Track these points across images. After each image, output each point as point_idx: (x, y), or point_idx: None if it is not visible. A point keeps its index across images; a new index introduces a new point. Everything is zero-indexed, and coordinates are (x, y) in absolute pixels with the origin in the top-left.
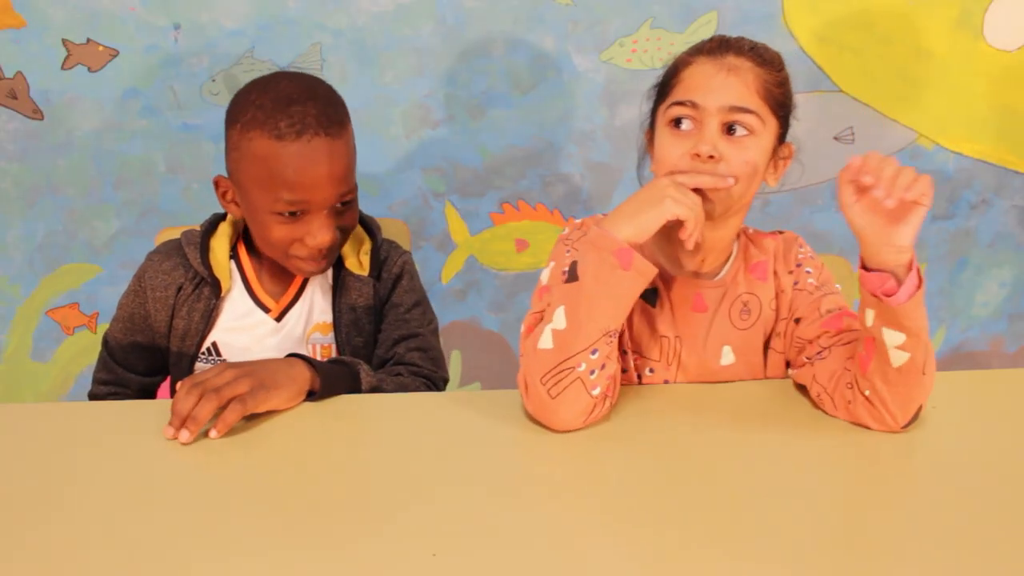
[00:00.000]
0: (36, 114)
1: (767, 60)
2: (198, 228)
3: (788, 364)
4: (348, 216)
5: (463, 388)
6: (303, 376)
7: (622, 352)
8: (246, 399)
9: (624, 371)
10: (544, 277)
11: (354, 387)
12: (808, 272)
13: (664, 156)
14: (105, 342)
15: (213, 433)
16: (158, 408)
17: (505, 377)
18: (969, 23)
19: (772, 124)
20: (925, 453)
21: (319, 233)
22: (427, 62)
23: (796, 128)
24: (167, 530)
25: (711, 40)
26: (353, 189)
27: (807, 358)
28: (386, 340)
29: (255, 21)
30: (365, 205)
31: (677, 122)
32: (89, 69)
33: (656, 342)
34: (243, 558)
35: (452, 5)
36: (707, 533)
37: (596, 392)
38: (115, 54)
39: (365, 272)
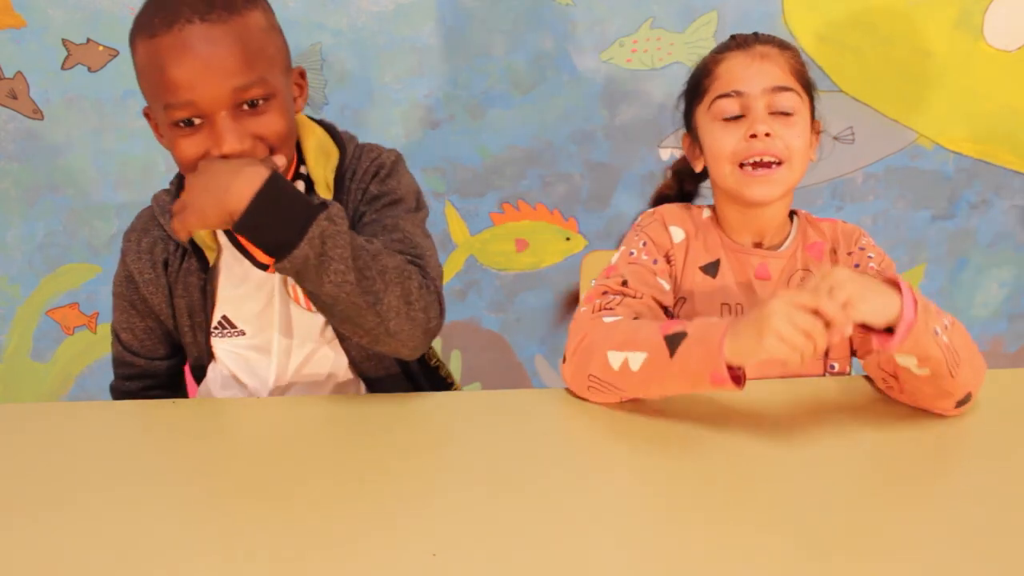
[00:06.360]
0: (36, 114)
1: (788, 46)
2: (169, 188)
3: (853, 349)
4: (266, 121)
5: (463, 388)
6: (236, 202)
7: None
8: (176, 220)
9: None
10: (614, 258)
11: (303, 229)
12: (871, 257)
13: (720, 147)
14: (116, 336)
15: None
16: (157, 408)
17: (505, 377)
18: (969, 23)
19: (806, 102)
20: (924, 453)
21: (221, 140)
22: (427, 62)
23: None
24: (167, 530)
25: (733, 38)
26: (260, 84)
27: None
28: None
29: None
30: None
31: (727, 113)
32: (89, 69)
33: (716, 311)
34: (243, 558)
35: (452, 5)
36: (712, 533)
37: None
38: (115, 54)
39: (331, 194)
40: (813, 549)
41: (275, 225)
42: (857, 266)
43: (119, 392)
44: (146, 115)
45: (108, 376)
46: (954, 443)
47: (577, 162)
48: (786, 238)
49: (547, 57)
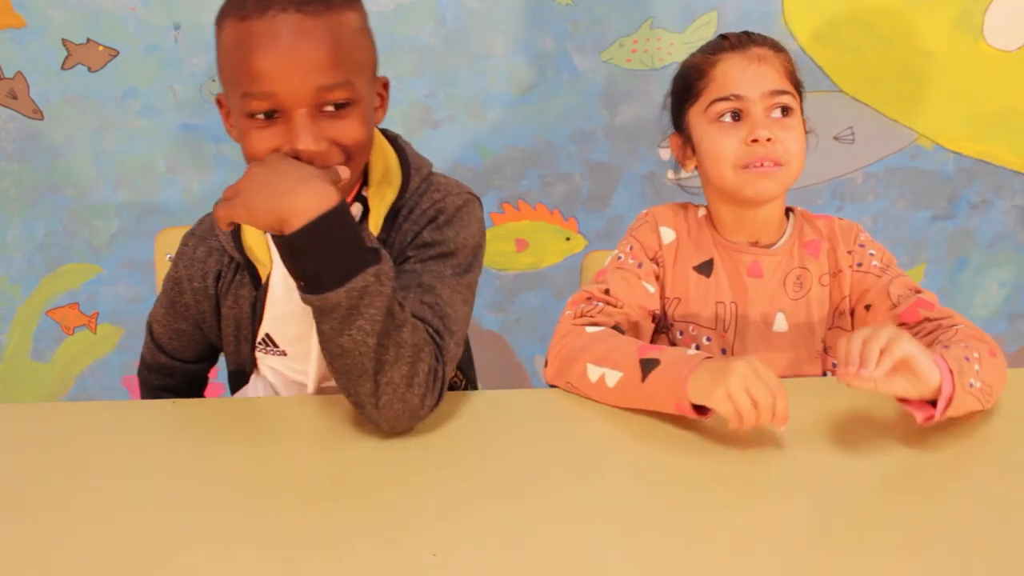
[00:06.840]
0: (36, 114)
1: (781, 48)
2: None
3: None
4: (346, 126)
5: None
6: (293, 213)
7: (668, 326)
8: (223, 205)
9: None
10: (606, 261)
11: (353, 269)
12: (872, 254)
13: (720, 151)
14: (150, 327)
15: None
16: (157, 408)
17: (505, 377)
18: (969, 23)
19: (799, 103)
20: (923, 452)
21: (296, 137)
22: (427, 62)
23: None
24: (167, 530)
25: (726, 38)
26: (345, 86)
27: None
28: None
29: None
30: None
31: (725, 116)
32: (89, 69)
33: (711, 310)
34: (243, 558)
35: (452, 5)
36: (712, 533)
37: None
38: (115, 54)
39: (379, 229)
40: (814, 548)
41: (322, 258)
42: (860, 264)
43: (141, 381)
44: (218, 102)
45: (108, 376)
46: (953, 442)
47: (577, 162)
48: (781, 236)
49: (547, 57)
